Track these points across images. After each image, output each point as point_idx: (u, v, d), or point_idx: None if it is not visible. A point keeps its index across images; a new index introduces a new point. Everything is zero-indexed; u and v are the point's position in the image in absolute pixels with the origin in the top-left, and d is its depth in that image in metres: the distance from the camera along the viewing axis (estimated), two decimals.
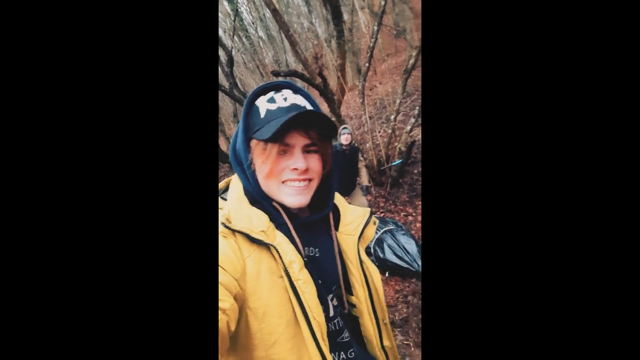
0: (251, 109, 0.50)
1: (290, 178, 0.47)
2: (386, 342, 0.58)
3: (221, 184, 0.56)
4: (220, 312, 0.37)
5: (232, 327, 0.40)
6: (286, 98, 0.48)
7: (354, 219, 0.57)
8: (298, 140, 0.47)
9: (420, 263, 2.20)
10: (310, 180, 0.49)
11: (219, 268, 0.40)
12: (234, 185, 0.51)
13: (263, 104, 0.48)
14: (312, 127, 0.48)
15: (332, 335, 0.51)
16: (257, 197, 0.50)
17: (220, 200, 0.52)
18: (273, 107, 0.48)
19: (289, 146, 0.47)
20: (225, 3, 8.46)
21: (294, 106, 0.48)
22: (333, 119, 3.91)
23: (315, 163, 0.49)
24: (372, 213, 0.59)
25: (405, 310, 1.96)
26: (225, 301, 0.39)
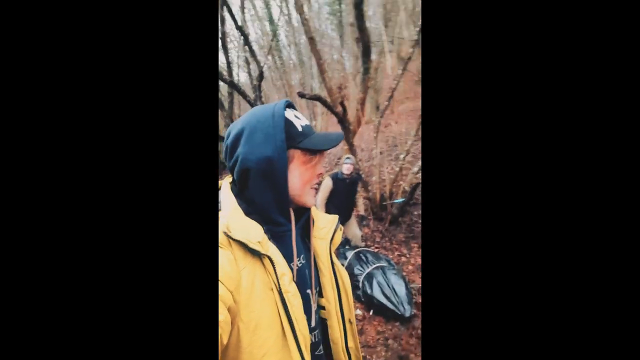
0: (286, 122, 0.52)
1: (315, 182, 0.54)
2: (350, 343, 0.60)
3: None
4: None
5: (225, 341, 0.41)
6: (297, 115, 0.54)
7: (325, 224, 0.62)
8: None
9: (406, 307, 2.13)
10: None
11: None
12: (226, 196, 0.52)
13: (294, 119, 0.52)
14: None
15: (311, 348, 0.52)
16: (263, 208, 0.51)
17: None
18: (303, 122, 0.53)
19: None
20: (267, 23, 9.08)
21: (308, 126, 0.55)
22: (345, 147, 4.01)
23: None
24: (340, 221, 0.65)
25: (383, 353, 1.88)
26: (220, 314, 0.39)
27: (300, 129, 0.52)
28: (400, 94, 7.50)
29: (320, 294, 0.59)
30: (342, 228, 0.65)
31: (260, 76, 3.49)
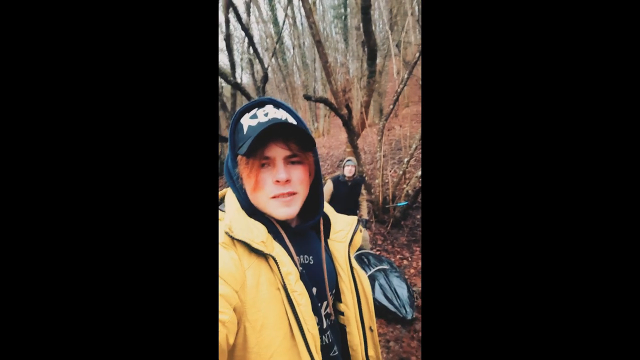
0: (236, 127, 0.51)
1: (277, 194, 0.48)
2: (370, 352, 0.58)
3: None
4: (220, 325, 0.37)
5: (231, 341, 0.40)
6: (267, 113, 0.49)
7: (343, 227, 0.59)
8: (278, 152, 0.48)
9: (408, 310, 2.14)
10: (294, 193, 0.49)
11: (220, 280, 0.40)
12: (231, 197, 0.51)
13: (246, 121, 0.49)
14: (289, 138, 0.48)
15: (324, 350, 0.51)
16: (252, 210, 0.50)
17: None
18: (254, 122, 0.48)
19: (269, 159, 0.48)
20: (271, 25, 9.16)
21: (273, 120, 0.48)
22: (348, 150, 4.02)
23: (298, 174, 0.50)
24: (359, 221, 0.61)
25: (385, 355, 1.88)
26: (225, 313, 0.38)
27: (245, 131, 0.49)
28: (404, 97, 7.53)
29: (338, 299, 0.56)
30: (362, 230, 0.62)
31: (265, 78, 3.53)
